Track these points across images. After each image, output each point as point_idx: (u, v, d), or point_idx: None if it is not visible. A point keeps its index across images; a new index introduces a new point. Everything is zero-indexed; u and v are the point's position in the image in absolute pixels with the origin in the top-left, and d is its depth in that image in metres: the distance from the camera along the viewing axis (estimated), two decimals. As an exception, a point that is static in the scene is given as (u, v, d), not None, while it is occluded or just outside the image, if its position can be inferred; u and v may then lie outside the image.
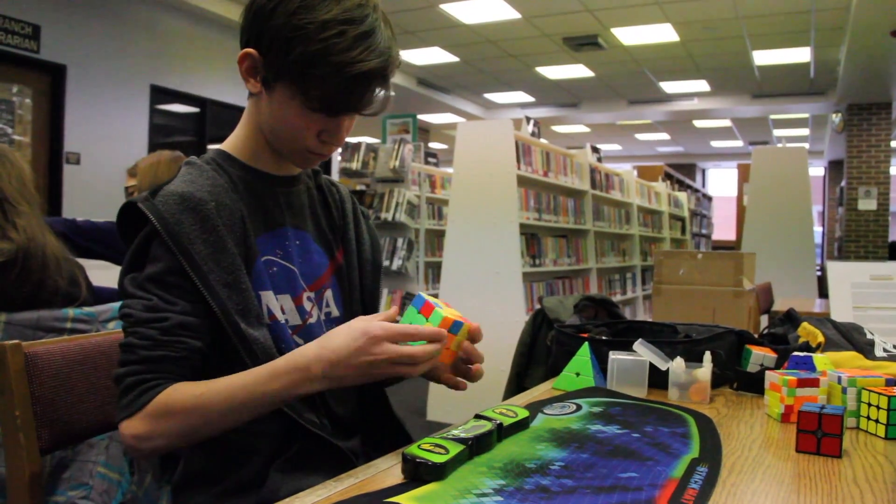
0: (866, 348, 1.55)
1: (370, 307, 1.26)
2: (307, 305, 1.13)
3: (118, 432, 0.96)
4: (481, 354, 1.05)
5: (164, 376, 0.96)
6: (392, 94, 1.09)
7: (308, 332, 1.12)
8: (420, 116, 11.94)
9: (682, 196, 10.33)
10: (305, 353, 0.95)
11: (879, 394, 1.08)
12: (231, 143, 1.14)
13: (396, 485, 0.82)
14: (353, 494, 0.79)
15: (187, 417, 0.94)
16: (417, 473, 0.82)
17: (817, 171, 16.13)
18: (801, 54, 8.84)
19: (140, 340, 0.96)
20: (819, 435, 0.97)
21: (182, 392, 0.95)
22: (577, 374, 1.37)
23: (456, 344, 0.99)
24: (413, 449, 0.85)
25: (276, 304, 1.08)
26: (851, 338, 1.60)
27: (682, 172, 14.62)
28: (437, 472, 0.82)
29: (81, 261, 1.84)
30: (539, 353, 1.95)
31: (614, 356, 1.35)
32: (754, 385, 1.34)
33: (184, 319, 0.97)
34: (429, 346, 0.94)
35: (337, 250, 1.22)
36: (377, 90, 1.04)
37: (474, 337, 1.03)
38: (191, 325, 0.98)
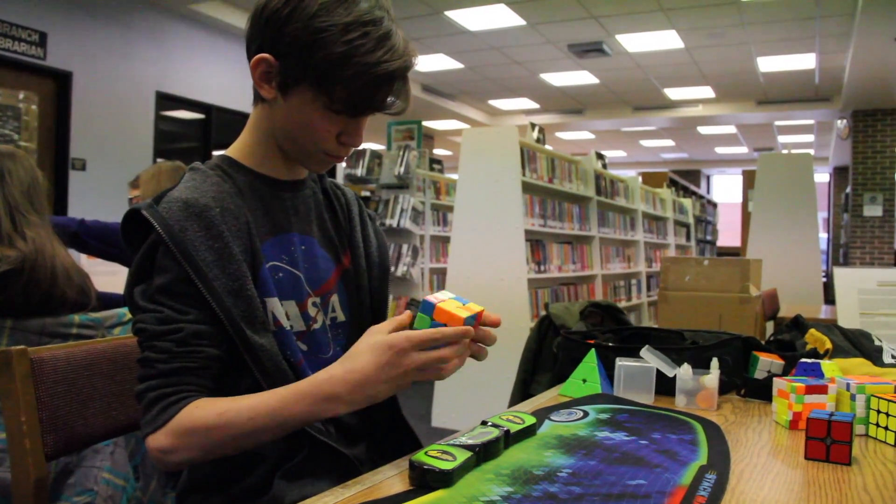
0: (874, 355, 1.54)
1: (379, 311, 1.25)
2: (312, 311, 1.13)
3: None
4: (494, 336, 1.02)
5: (184, 389, 0.95)
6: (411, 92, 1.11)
7: (312, 338, 1.11)
8: (425, 123, 11.97)
9: (687, 202, 10.32)
10: (332, 378, 0.92)
11: (889, 401, 1.07)
12: (237, 149, 1.13)
13: (403, 492, 0.81)
14: (361, 501, 0.79)
15: (210, 434, 0.93)
16: (425, 480, 0.82)
17: (822, 177, 16.10)
18: (805, 61, 8.83)
19: (157, 354, 0.96)
20: (828, 442, 0.96)
21: (205, 409, 0.94)
22: (584, 381, 1.36)
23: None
24: (420, 456, 0.84)
25: (282, 311, 1.07)
26: (859, 344, 1.59)
27: (687, 179, 14.62)
28: (444, 479, 0.81)
29: (91, 262, 1.84)
30: (545, 360, 1.94)
31: (621, 363, 1.34)
32: (762, 392, 1.34)
33: (198, 328, 0.97)
34: (454, 346, 0.92)
35: (343, 254, 1.22)
36: (399, 89, 1.06)
37: (492, 322, 1.00)
38: (206, 333, 0.97)
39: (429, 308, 0.94)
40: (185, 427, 0.93)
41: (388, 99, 1.06)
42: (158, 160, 2.87)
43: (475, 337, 0.98)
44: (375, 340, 0.92)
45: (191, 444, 0.93)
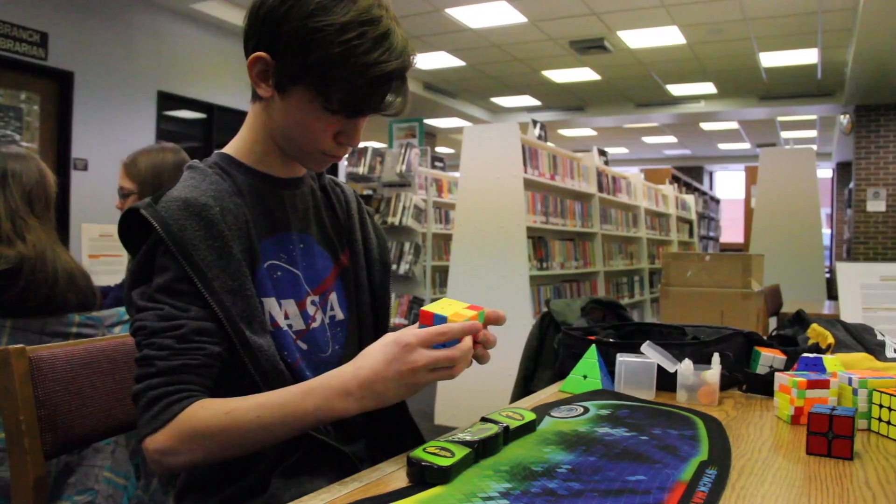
0: (877, 349, 1.54)
1: (381, 308, 1.24)
2: (311, 310, 1.12)
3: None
4: (495, 339, 1.03)
5: (187, 388, 0.93)
6: (409, 92, 1.09)
7: (311, 337, 1.11)
8: (427, 121, 11.98)
9: (690, 199, 10.31)
10: (341, 373, 0.92)
11: (891, 395, 1.06)
12: (235, 147, 1.12)
13: (401, 488, 0.81)
14: (358, 498, 0.78)
15: (215, 435, 0.90)
16: (423, 477, 0.81)
17: (825, 172, 16.03)
18: (808, 56, 8.81)
19: (157, 351, 0.93)
20: (830, 437, 0.95)
21: (209, 408, 0.92)
22: (585, 377, 1.36)
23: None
24: (418, 452, 0.84)
25: (279, 311, 1.06)
26: (862, 339, 1.58)
27: (690, 175, 14.61)
28: (442, 476, 0.81)
29: (91, 261, 1.83)
30: (546, 356, 1.94)
31: (622, 358, 1.33)
32: (763, 387, 1.33)
33: (200, 325, 0.95)
34: (463, 343, 0.91)
35: (342, 252, 1.21)
36: (397, 89, 1.04)
37: (496, 318, 1.01)
38: (207, 330, 0.96)
39: (441, 321, 0.94)
40: (187, 428, 0.90)
41: (387, 99, 1.04)
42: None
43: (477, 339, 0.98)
44: (385, 339, 0.92)
45: (193, 446, 0.90)
